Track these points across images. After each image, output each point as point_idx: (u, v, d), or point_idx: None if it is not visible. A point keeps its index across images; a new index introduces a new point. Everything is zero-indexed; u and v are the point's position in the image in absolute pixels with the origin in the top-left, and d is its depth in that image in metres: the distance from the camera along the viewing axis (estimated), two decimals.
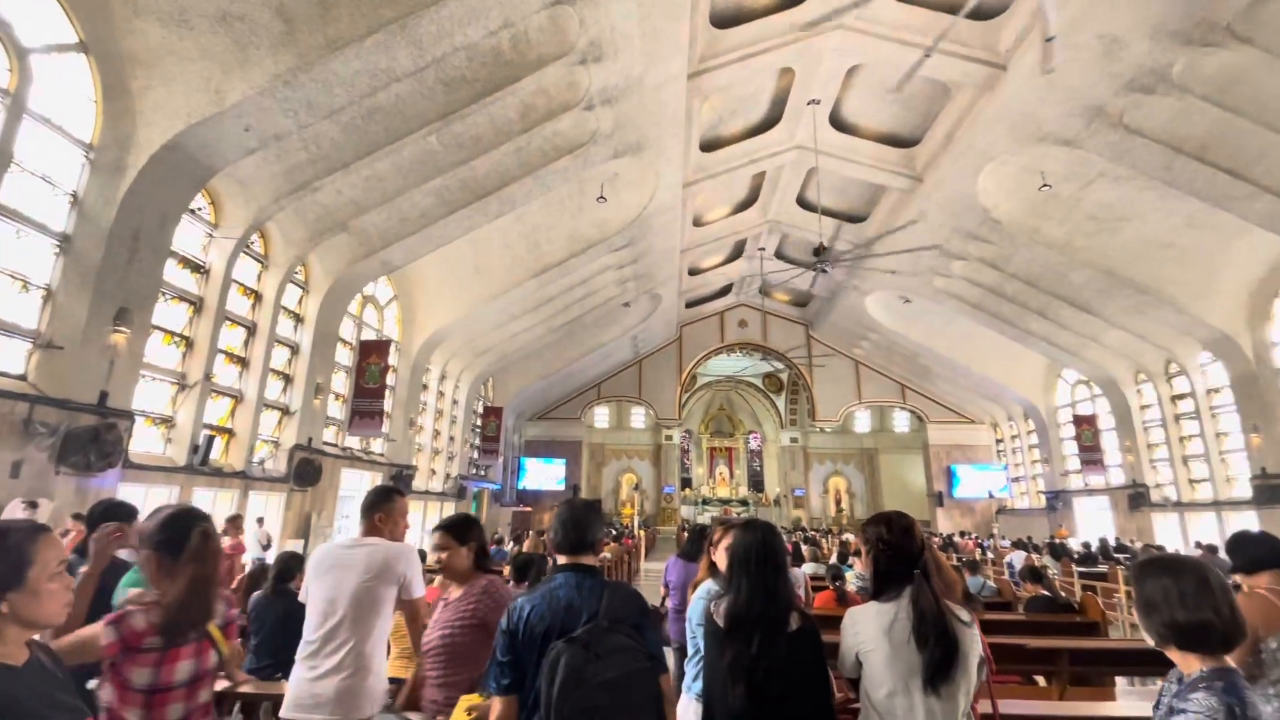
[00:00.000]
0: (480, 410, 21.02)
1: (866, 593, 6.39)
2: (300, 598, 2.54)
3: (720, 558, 2.61)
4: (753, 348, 26.19)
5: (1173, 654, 1.46)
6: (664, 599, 5.05)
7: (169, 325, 8.75)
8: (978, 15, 9.36)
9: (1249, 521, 13.50)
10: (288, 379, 11.15)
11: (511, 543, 13.73)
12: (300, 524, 10.91)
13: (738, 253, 20.21)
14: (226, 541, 7.34)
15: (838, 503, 31.32)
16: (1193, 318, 13.69)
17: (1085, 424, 18.76)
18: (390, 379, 13.85)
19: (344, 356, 12.95)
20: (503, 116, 9.24)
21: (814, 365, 25.15)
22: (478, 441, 20.56)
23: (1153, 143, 9.86)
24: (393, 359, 14.08)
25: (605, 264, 15.59)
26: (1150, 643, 1.50)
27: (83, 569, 2.31)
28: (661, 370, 25.83)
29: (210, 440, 8.86)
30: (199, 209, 8.93)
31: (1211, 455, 15.43)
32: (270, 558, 7.56)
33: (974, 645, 1.88)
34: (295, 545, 10.12)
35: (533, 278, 14.17)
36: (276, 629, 3.50)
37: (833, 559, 9.13)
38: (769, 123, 13.35)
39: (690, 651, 2.63)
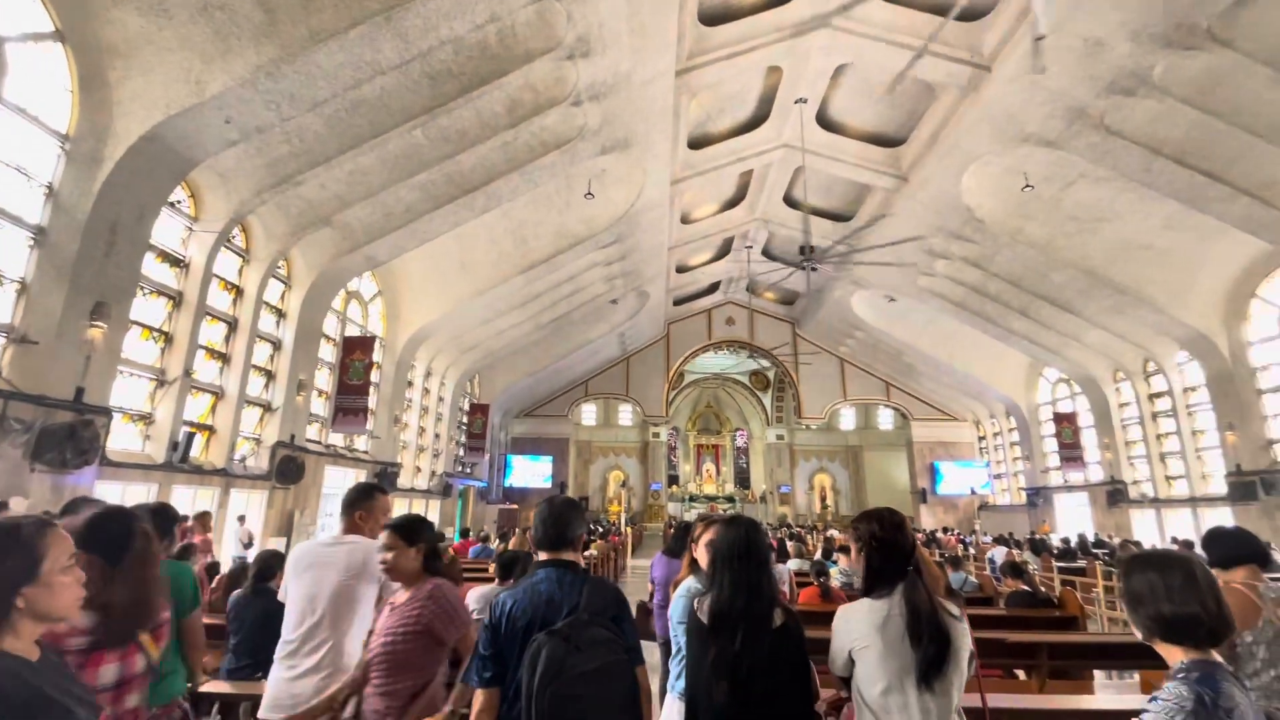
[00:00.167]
0: (466, 407, 20.90)
1: (851, 588, 6.46)
2: (280, 596, 2.51)
3: (701, 554, 2.60)
4: (740, 345, 26.29)
5: (1160, 647, 1.47)
6: (652, 595, 5.07)
7: (147, 320, 8.59)
8: (963, 17, 9.45)
9: (1224, 517, 13.79)
10: (270, 375, 11.01)
11: (498, 540, 13.67)
12: (283, 522, 10.78)
13: (725, 251, 20.26)
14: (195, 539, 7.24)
15: (823, 499, 31.54)
16: (1170, 317, 13.94)
17: (1065, 422, 19.05)
18: (375, 375, 13.72)
19: (327, 353, 12.81)
20: (489, 111, 9.17)
21: (800, 363, 25.29)
22: (463, 439, 20.45)
23: (1133, 144, 10.01)
24: (377, 355, 13.95)
25: (593, 260, 15.55)
26: (1139, 637, 1.51)
27: None
28: (649, 367, 25.84)
29: (190, 437, 8.73)
30: (178, 202, 8.77)
31: (1188, 452, 15.73)
32: (252, 556, 7.47)
33: (965, 640, 1.90)
34: (278, 544, 10.00)
35: (520, 274, 14.10)
36: (256, 628, 3.45)
37: (817, 555, 9.19)
38: (756, 121, 13.38)
39: (673, 650, 2.61)
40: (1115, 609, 9.88)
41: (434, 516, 17.75)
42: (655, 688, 4.23)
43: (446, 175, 10.11)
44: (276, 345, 11.14)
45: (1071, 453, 18.74)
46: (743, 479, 33.23)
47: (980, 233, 13.89)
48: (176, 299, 8.90)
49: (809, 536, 17.00)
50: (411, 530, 2.37)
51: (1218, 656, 1.40)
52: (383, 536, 2.36)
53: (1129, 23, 8.31)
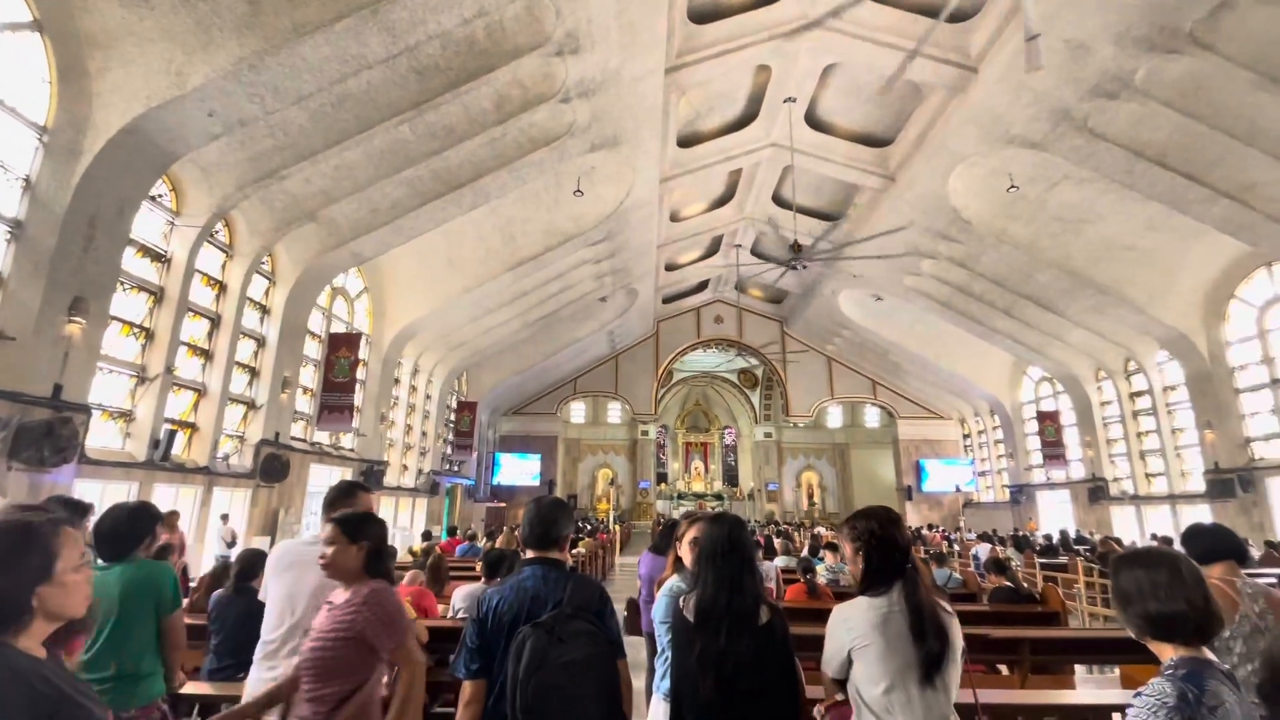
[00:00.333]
0: (454, 405, 20.78)
1: (837, 585, 6.50)
2: (260, 596, 2.47)
3: (686, 552, 2.59)
4: (728, 344, 26.36)
5: (1151, 645, 1.47)
6: (640, 591, 5.09)
7: (128, 316, 8.46)
8: (950, 18, 9.51)
9: (1202, 514, 14.05)
10: (254, 372, 10.88)
11: (485, 539, 13.62)
12: (267, 521, 10.67)
13: (714, 249, 20.29)
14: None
15: (810, 497, 31.74)
16: (1151, 318, 14.15)
17: (1048, 420, 19.30)
18: (360, 373, 13.60)
19: (312, 350, 12.68)
20: (477, 107, 9.11)
21: (788, 361, 25.40)
22: (451, 437, 20.34)
23: (1115, 147, 10.14)
24: (363, 352, 13.83)
25: (582, 258, 15.51)
26: (1131, 635, 1.51)
27: None
28: (638, 365, 25.84)
29: (172, 435, 8.60)
30: (159, 196, 8.64)
31: (1167, 450, 15.99)
32: (235, 555, 7.38)
33: (959, 635, 1.92)
34: (262, 543, 9.89)
35: (508, 271, 14.04)
36: (238, 628, 3.41)
37: (804, 552, 9.24)
38: (746, 119, 13.40)
39: (657, 649, 2.60)
40: (1096, 604, 10.03)
41: (421, 515, 17.66)
42: (641, 683, 4.25)
43: (434, 171, 10.03)
44: (260, 342, 11.01)
45: (1054, 450, 18.99)
46: (731, 477, 33.35)
47: (966, 233, 14.01)
48: (157, 294, 8.77)
49: (796, 534, 17.09)
50: (355, 526, 2.23)
51: (1209, 654, 1.40)
52: (325, 529, 2.24)
53: (1112, 26, 8.41)
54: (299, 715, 2.06)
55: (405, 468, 17.02)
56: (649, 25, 8.93)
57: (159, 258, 8.80)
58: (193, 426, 9.57)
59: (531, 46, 8.39)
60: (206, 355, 9.83)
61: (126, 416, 8.45)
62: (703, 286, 24.26)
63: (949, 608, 1.95)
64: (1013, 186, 12.01)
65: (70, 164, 6.66)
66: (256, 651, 2.33)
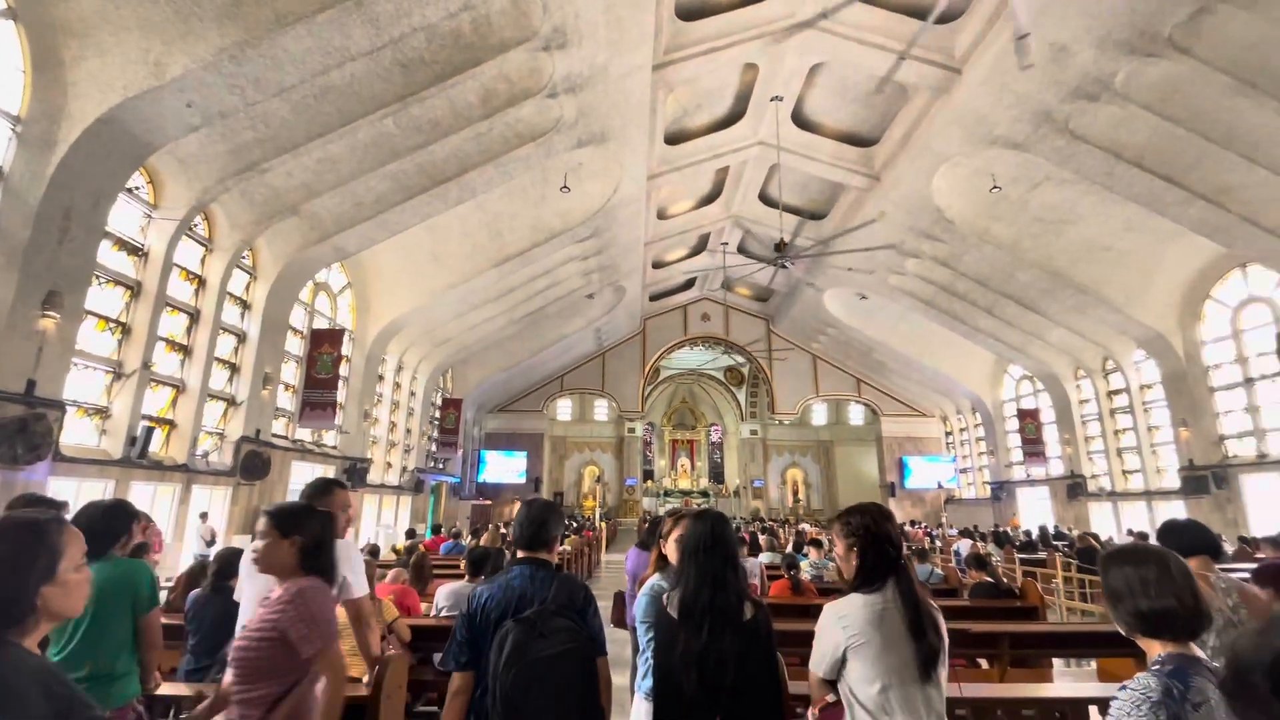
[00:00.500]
0: (439, 402, 20.63)
1: (820, 581, 6.53)
2: (235, 596, 2.44)
3: (672, 550, 2.59)
4: (715, 341, 26.42)
5: (1140, 642, 1.47)
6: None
7: (104, 310, 8.29)
8: (937, 19, 9.57)
9: (1177, 510, 14.34)
10: (234, 368, 10.73)
11: (470, 537, 13.55)
12: (248, 519, 10.52)
13: (701, 247, 20.32)
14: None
15: (795, 494, 31.94)
16: (1128, 317, 14.40)
17: (1028, 418, 19.58)
18: (344, 369, 13.45)
19: (295, 345, 12.53)
20: (463, 101, 9.03)
21: (774, 359, 25.52)
22: (436, 434, 20.20)
23: (1095, 148, 10.29)
24: (346, 349, 13.68)
25: (569, 255, 15.46)
26: (1122, 633, 1.51)
27: None
28: (625, 363, 25.82)
29: (149, 432, 8.45)
30: (136, 188, 8.47)
31: (1143, 448, 16.30)
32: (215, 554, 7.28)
33: (945, 631, 1.92)
34: (242, 541, 9.75)
35: (494, 267, 13.95)
36: (215, 628, 3.36)
37: (788, 549, 9.30)
38: (733, 118, 13.42)
39: (640, 648, 2.62)
40: (1074, 599, 10.21)
41: (405, 513, 17.52)
42: (625, 680, 4.25)
43: (418, 165, 9.94)
44: (241, 338, 10.85)
45: (1034, 448, 19.28)
46: (717, 474, 33.46)
47: (949, 232, 14.15)
48: (134, 289, 8.60)
49: (781, 530, 17.20)
50: (286, 519, 2.11)
51: (1197, 651, 1.40)
52: (259, 522, 2.18)
53: (1094, 29, 8.52)
54: (227, 716, 1.97)
55: (389, 465, 16.87)
56: (637, 21, 8.90)
57: (136, 251, 8.63)
58: (171, 423, 9.41)
59: (518, 41, 8.33)
60: (185, 351, 9.67)
61: (102, 413, 8.29)
62: (690, 284, 24.29)
63: (934, 604, 1.96)
64: (995, 187, 12.15)
65: (44, 155, 6.51)
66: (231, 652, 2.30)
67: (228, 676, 1.99)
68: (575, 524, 19.84)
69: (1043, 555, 12.05)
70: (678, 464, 33.25)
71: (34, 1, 6.25)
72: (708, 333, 25.98)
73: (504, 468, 25.45)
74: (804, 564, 6.81)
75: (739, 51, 10.88)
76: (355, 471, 13.87)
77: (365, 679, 2.83)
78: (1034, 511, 20.19)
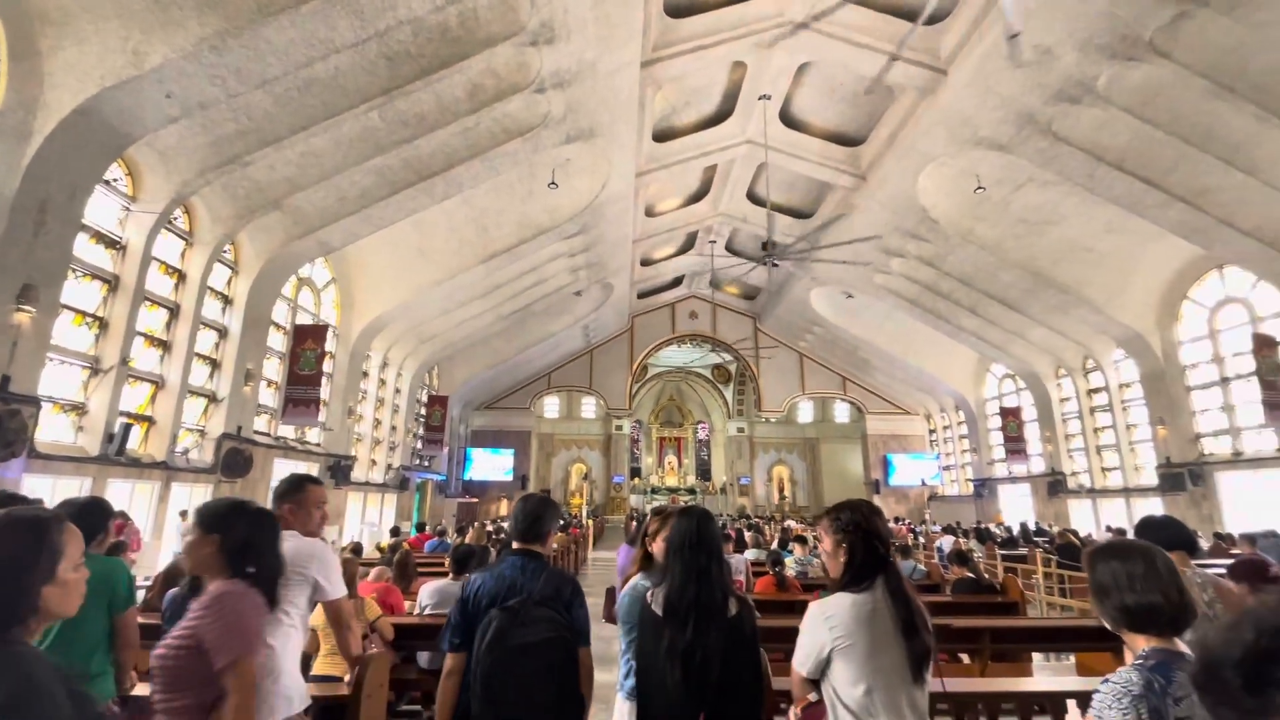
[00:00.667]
0: (425, 399, 20.49)
1: (805, 577, 6.57)
2: None
3: (658, 549, 2.57)
4: (702, 339, 26.46)
5: (1125, 637, 1.47)
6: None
7: (80, 305, 8.14)
8: (924, 21, 9.65)
9: (1154, 506, 14.59)
10: (215, 364, 10.57)
11: (455, 535, 13.48)
12: None
13: (689, 245, 20.33)
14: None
15: (781, 491, 32.10)
16: (1108, 317, 14.63)
17: (1010, 416, 19.84)
18: (327, 365, 13.32)
19: (277, 341, 12.38)
20: (449, 95, 8.95)
21: (761, 357, 25.63)
22: (421, 431, 20.06)
23: (1077, 150, 10.43)
24: (330, 345, 13.55)
25: (556, 251, 15.40)
26: (1109, 628, 1.51)
27: None
28: (612, 360, 25.79)
29: (127, 429, 8.32)
30: (114, 180, 8.32)
31: (1122, 445, 16.57)
32: None
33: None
34: None
35: (481, 263, 13.87)
36: None
37: (774, 545, 9.35)
38: (721, 116, 13.43)
39: (622, 647, 2.59)
40: (1054, 594, 10.36)
41: (390, 510, 17.40)
42: (613, 677, 4.26)
43: (404, 160, 9.84)
44: (222, 333, 10.70)
45: (1016, 445, 19.54)
46: (704, 471, 33.53)
47: (934, 232, 14.28)
48: (112, 283, 8.45)
49: (766, 527, 17.29)
50: (210, 515, 1.95)
51: (1182, 646, 1.40)
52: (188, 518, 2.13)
53: (1076, 33, 8.62)
54: None
55: (374, 463, 16.74)
56: (625, 17, 8.87)
57: (114, 244, 8.48)
58: (150, 420, 9.26)
59: (506, 35, 8.27)
60: (165, 346, 9.52)
61: (79, 409, 8.14)
62: (678, 282, 24.31)
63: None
64: (980, 188, 12.27)
65: (20, 146, 6.37)
66: None
67: (150, 686, 1.81)
68: (562, 521, 19.81)
69: (1024, 551, 12.22)
70: (665, 461, 33.29)
71: None
72: (695, 330, 26.02)
73: (491, 465, 25.34)
74: (789, 560, 6.85)
75: (727, 50, 10.89)
76: (339, 469, 13.75)
77: (347, 678, 2.80)
78: (1015, 508, 20.47)
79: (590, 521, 21.83)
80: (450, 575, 4.80)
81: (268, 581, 1.92)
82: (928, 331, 19.12)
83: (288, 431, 12.66)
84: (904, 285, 16.98)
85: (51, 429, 7.80)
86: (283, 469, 12.12)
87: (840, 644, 1.79)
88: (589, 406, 31.36)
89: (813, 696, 1.89)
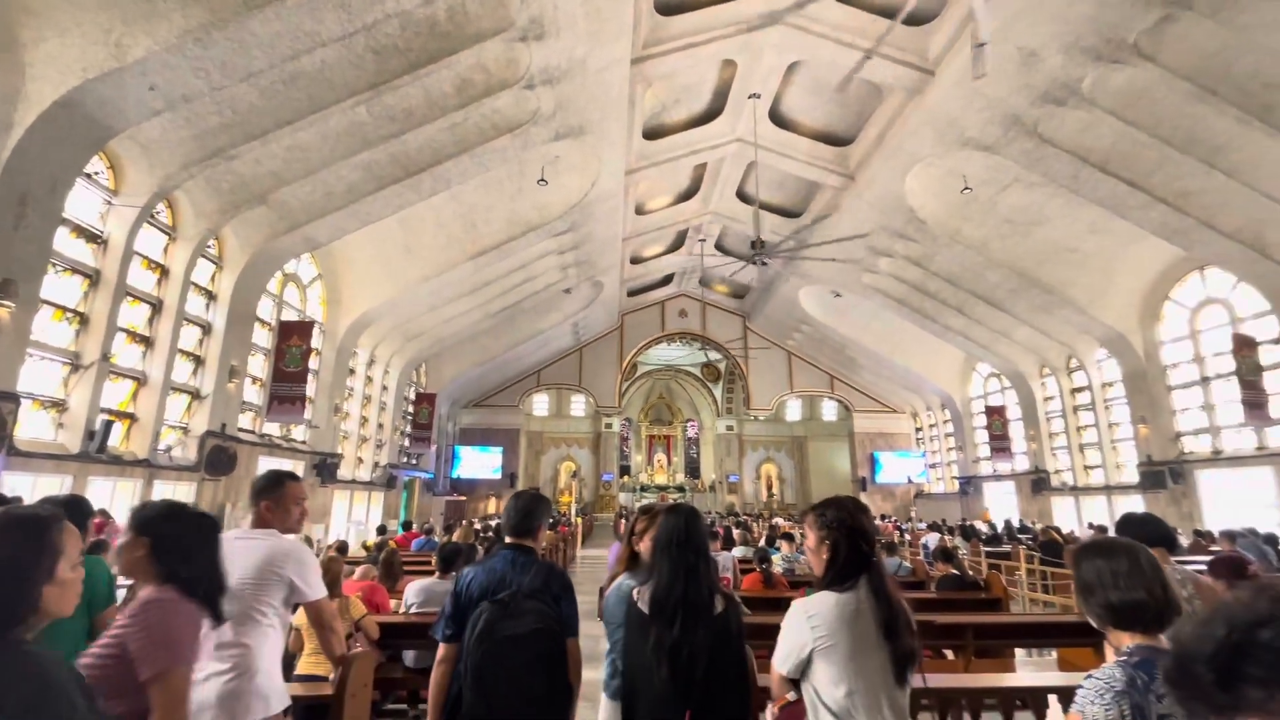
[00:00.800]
0: (412, 397, 20.37)
1: (792, 574, 6.59)
2: None
3: (645, 548, 2.55)
4: (692, 337, 26.51)
5: (1110, 634, 1.47)
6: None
7: (61, 300, 8.00)
8: (910, 21, 9.71)
9: (1135, 504, 14.82)
10: (199, 360, 10.44)
11: (443, 533, 13.42)
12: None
13: (679, 243, 20.34)
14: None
15: (769, 488, 32.27)
16: (1091, 317, 14.81)
17: (995, 414, 20.04)
18: (313, 362, 13.20)
19: (262, 338, 12.24)
20: (438, 90, 8.89)
21: (750, 356, 25.72)
22: (409, 429, 19.94)
23: (1062, 152, 10.54)
24: (316, 341, 13.43)
25: (546, 249, 15.35)
26: (1094, 626, 1.50)
27: None
28: (602, 358, 25.77)
29: (108, 426, 8.19)
30: (95, 173, 8.18)
31: (1104, 444, 16.80)
32: None
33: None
34: None
35: (469, 260, 13.79)
36: None
37: (762, 542, 9.39)
38: (711, 114, 13.44)
39: (607, 647, 2.57)
40: (1036, 590, 10.50)
41: (377, 509, 17.28)
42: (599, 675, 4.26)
43: (391, 155, 9.76)
44: (206, 329, 10.56)
45: (1000, 443, 19.76)
46: (693, 469, 33.62)
47: (922, 232, 14.39)
48: (93, 277, 8.31)
49: (755, 524, 17.37)
50: (142, 516, 1.82)
51: (1165, 643, 1.39)
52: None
53: (1062, 35, 8.71)
54: None
55: (360, 461, 16.61)
56: (615, 14, 8.85)
57: (95, 239, 8.34)
58: (131, 417, 9.13)
59: (495, 31, 8.22)
60: (147, 342, 9.38)
61: (59, 406, 8.01)
62: (668, 280, 24.33)
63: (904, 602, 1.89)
64: (966, 188, 12.38)
65: None
66: None
67: None
68: (551, 519, 19.79)
69: (1007, 548, 12.37)
70: (654, 459, 33.35)
71: None
72: (685, 329, 26.05)
73: (479, 463, 25.25)
74: (776, 558, 6.89)
75: (717, 48, 10.90)
76: (325, 467, 13.64)
77: (332, 677, 2.78)
78: (1000, 506, 20.70)
79: (579, 520, 21.83)
80: (436, 574, 4.78)
81: (204, 590, 1.76)
82: (915, 331, 19.27)
83: (273, 429, 12.53)
84: (892, 285, 17.10)
85: (31, 426, 7.67)
86: (267, 467, 11.99)
87: (822, 644, 1.75)
88: (578, 404, 31.33)
89: (791, 696, 1.86)
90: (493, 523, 14.94)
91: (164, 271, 9.57)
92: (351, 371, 15.57)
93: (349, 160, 9.39)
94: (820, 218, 14.02)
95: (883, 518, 21.16)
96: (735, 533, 10.58)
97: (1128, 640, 1.42)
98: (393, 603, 5.02)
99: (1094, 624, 1.50)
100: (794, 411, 33.16)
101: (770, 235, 14.91)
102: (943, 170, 12.52)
